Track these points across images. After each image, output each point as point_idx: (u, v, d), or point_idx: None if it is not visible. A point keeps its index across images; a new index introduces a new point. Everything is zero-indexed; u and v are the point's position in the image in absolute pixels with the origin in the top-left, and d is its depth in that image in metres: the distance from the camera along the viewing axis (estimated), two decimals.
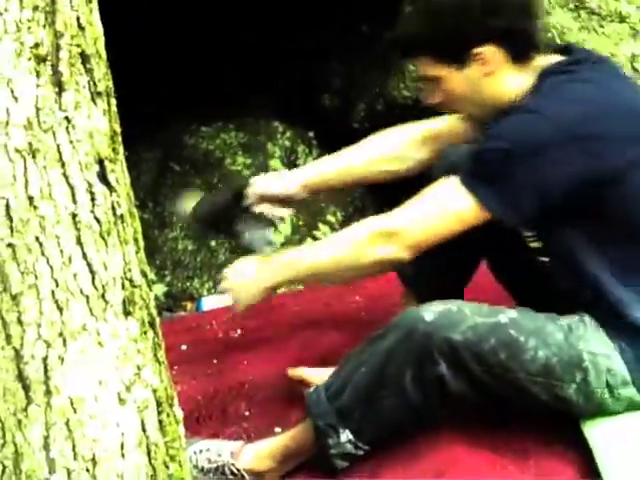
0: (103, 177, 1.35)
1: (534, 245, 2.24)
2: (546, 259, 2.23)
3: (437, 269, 2.42)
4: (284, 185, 2.52)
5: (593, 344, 2.10)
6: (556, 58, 2.15)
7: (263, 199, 2.52)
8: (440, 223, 2.09)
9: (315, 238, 3.84)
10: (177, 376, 2.77)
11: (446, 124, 2.47)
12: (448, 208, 2.07)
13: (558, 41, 3.16)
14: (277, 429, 2.45)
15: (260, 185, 2.53)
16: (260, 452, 2.29)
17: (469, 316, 2.09)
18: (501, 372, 2.08)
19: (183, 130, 4.05)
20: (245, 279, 2.31)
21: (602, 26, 3.08)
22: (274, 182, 2.54)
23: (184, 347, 3.06)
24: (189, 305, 3.71)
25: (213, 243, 3.81)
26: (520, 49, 2.12)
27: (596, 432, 2.11)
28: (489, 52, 2.09)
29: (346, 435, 2.14)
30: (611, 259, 2.10)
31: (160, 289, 3.76)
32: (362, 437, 2.15)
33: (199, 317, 3.41)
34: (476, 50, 2.09)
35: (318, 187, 2.56)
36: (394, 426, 2.16)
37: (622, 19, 3.10)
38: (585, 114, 2.02)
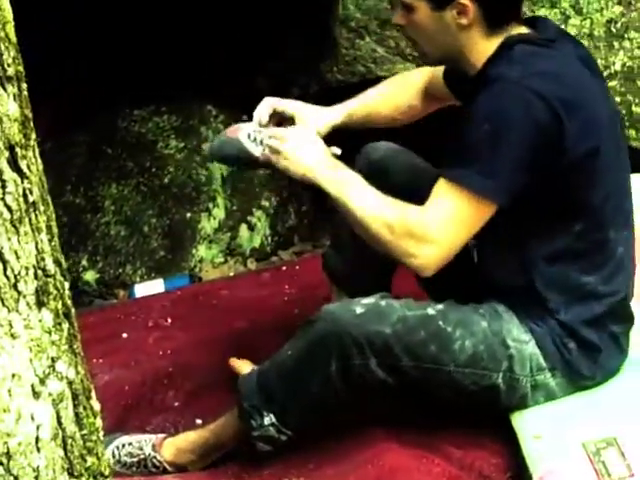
0: (14, 163, 1.31)
1: None
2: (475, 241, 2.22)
3: (360, 267, 2.47)
4: (332, 117, 2.48)
5: (513, 331, 2.13)
6: (524, 29, 2.13)
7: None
8: (460, 232, 2.03)
9: (249, 223, 3.83)
10: (104, 365, 2.76)
11: (433, 74, 2.50)
12: (461, 217, 2.02)
13: None
14: (198, 421, 2.45)
15: (306, 116, 2.46)
16: (180, 445, 2.30)
17: (398, 309, 2.10)
18: (430, 365, 2.09)
19: (115, 113, 3.99)
20: (299, 155, 2.17)
21: (533, 12, 3.09)
22: (319, 114, 2.48)
23: (119, 336, 3.05)
24: (121, 292, 3.67)
25: (146, 228, 3.78)
26: (500, 15, 2.10)
27: (523, 421, 2.13)
28: (471, 7, 2.06)
29: (270, 418, 2.15)
30: (551, 244, 2.11)
31: (92, 276, 3.71)
32: (285, 422, 2.15)
33: (131, 305, 3.39)
34: (460, 0, 2.06)
35: (361, 120, 2.54)
36: (318, 413, 2.17)
37: (553, 4, 3.13)
38: (559, 90, 2.00)
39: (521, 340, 2.12)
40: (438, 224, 2.01)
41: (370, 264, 2.42)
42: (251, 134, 2.33)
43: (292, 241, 3.92)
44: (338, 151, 2.27)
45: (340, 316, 2.09)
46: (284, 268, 3.52)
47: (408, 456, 2.12)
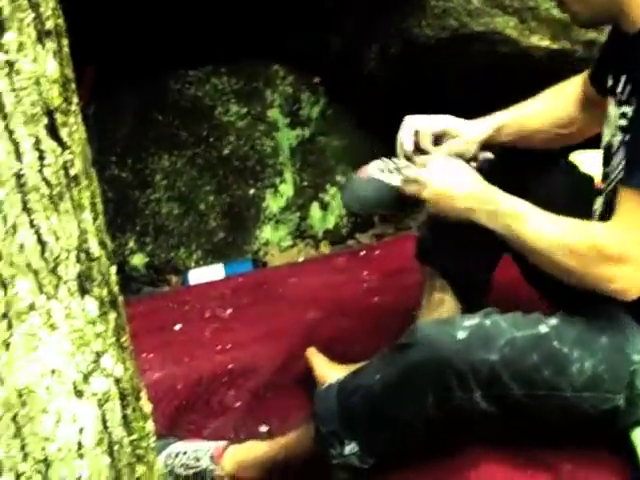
0: (53, 131, 1.31)
1: None
2: None
3: (462, 251, 2.44)
4: (479, 130, 2.44)
5: (637, 342, 2.09)
6: None
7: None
8: None
9: (322, 201, 3.83)
10: (155, 361, 2.79)
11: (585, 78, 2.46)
12: None
13: None
14: (262, 428, 2.46)
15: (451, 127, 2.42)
16: (244, 459, 2.28)
17: (506, 330, 2.07)
18: (544, 392, 2.06)
19: (167, 74, 4.01)
20: (450, 191, 2.15)
21: None
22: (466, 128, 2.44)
23: (171, 328, 3.08)
24: (174, 279, 3.71)
25: (202, 206, 3.81)
26: None
27: None
28: None
29: (352, 447, 2.12)
30: None
31: (140, 260, 3.76)
32: (369, 450, 2.13)
33: (184, 293, 3.43)
34: None
35: (513, 135, 2.49)
36: (406, 441, 2.14)
37: None
38: None
39: None
40: (632, 239, 1.97)
41: (475, 246, 2.39)
42: (382, 167, 2.30)
43: (371, 222, 3.91)
44: (490, 155, 2.30)
45: (439, 342, 2.05)
46: (362, 253, 3.53)
47: (509, 468, 2.10)
